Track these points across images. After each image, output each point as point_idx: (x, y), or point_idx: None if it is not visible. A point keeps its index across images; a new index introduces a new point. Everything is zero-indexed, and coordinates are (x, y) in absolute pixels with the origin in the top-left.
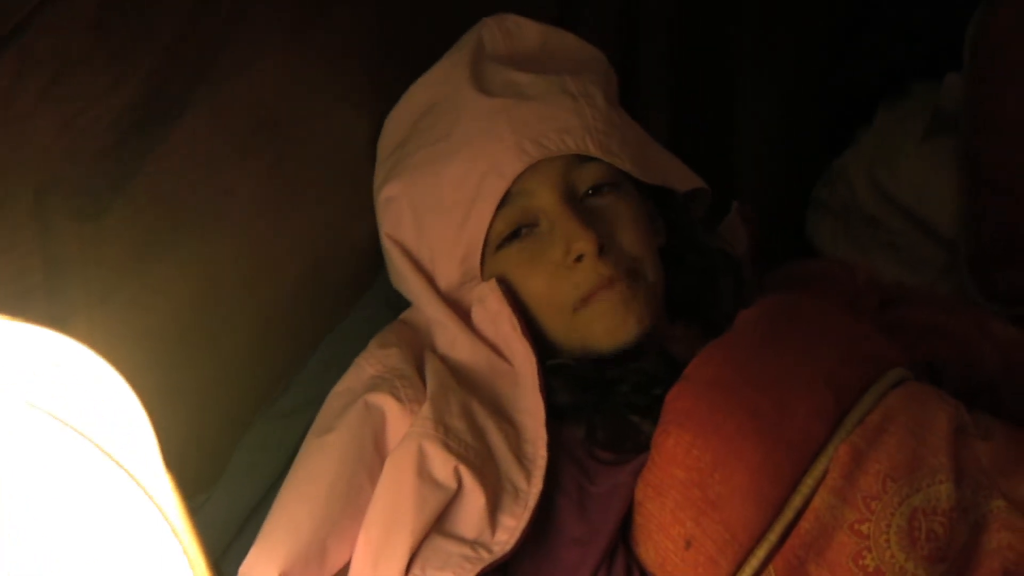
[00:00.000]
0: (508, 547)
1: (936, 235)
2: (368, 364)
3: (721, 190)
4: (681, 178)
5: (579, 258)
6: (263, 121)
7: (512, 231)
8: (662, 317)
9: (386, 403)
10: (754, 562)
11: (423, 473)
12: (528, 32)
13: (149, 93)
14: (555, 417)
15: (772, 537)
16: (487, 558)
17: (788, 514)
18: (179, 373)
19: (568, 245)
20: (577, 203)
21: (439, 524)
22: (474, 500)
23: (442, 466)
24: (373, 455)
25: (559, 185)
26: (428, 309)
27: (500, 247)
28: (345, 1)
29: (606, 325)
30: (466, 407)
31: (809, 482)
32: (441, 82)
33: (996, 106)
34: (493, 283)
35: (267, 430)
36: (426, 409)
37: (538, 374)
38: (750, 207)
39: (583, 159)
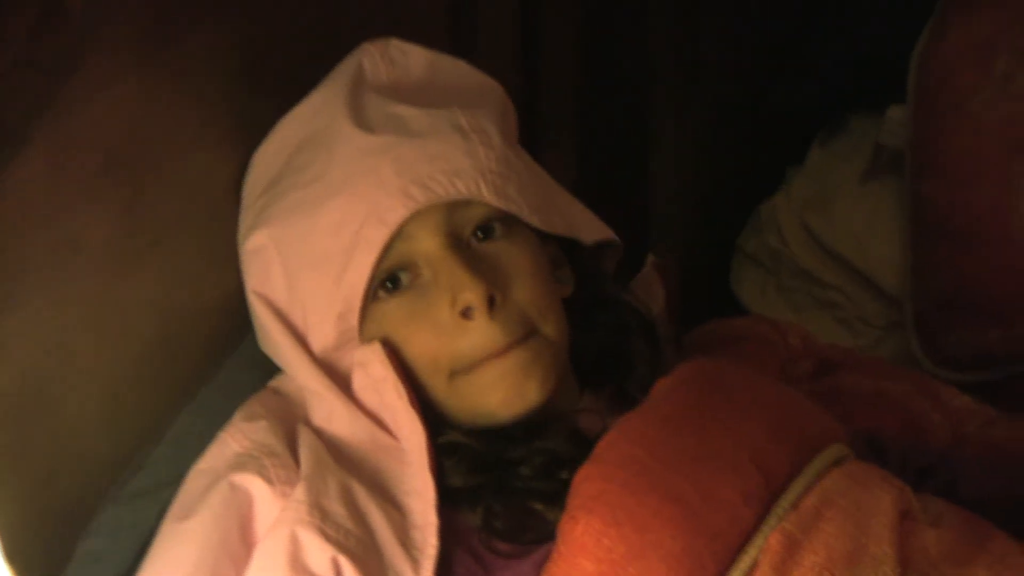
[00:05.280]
0: None
1: (878, 291)
2: (233, 439)
3: (634, 241)
4: (588, 228)
5: (466, 311)
6: (111, 160)
7: (389, 277)
8: (569, 385)
9: (253, 484)
10: None
11: (296, 564)
12: (414, 60)
13: None
14: (448, 501)
15: None
16: None
17: None
18: (14, 450)
19: (454, 295)
20: (464, 248)
21: None
22: None
23: (318, 556)
24: (239, 544)
25: (442, 227)
26: (301, 376)
27: (378, 299)
28: (204, 21)
29: (501, 395)
30: (346, 488)
31: (736, 575)
32: (315, 116)
33: (943, 142)
34: (376, 346)
35: (116, 514)
36: (300, 491)
37: (428, 452)
38: (667, 259)
39: None
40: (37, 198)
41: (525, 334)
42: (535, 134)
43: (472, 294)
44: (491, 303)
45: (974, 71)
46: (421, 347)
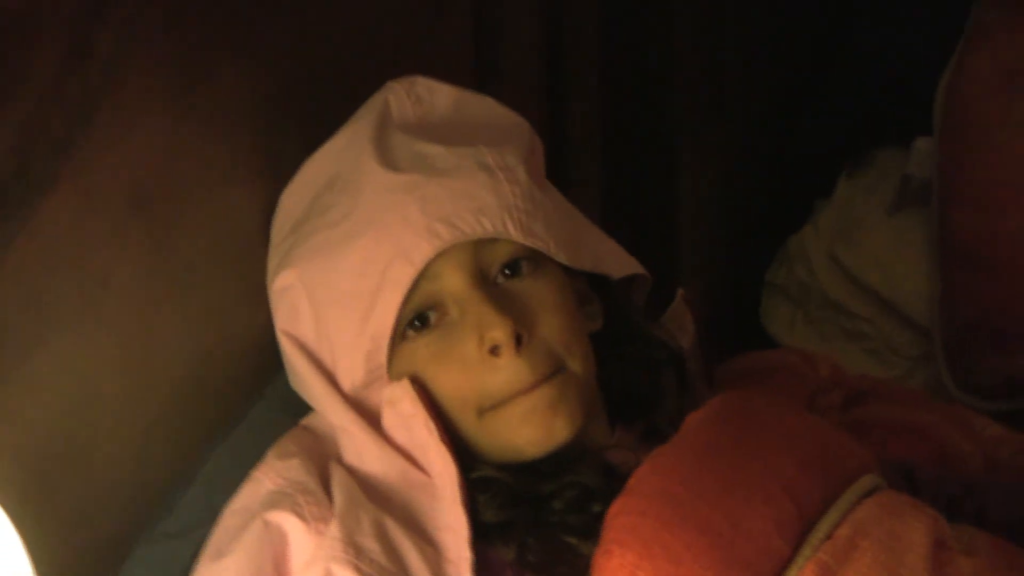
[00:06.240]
0: None
1: (907, 320)
2: (266, 477)
3: (663, 275)
4: (617, 262)
5: (494, 349)
6: (139, 199)
7: (416, 316)
8: (599, 420)
9: (288, 522)
10: None
11: None
12: (440, 97)
13: (9, 169)
14: (481, 536)
15: None
16: None
17: None
18: (45, 491)
19: (481, 333)
20: (491, 286)
21: None
22: None
23: None
24: None
25: (469, 265)
26: (331, 414)
27: (406, 338)
28: (230, 62)
29: (529, 432)
30: (379, 525)
31: None
32: (341, 154)
33: (970, 172)
34: (406, 383)
35: (150, 554)
36: (334, 528)
37: (459, 486)
38: (695, 292)
39: None
40: (65, 237)
41: (552, 370)
42: (561, 168)
43: (499, 332)
44: (518, 341)
45: (999, 102)
46: (449, 385)
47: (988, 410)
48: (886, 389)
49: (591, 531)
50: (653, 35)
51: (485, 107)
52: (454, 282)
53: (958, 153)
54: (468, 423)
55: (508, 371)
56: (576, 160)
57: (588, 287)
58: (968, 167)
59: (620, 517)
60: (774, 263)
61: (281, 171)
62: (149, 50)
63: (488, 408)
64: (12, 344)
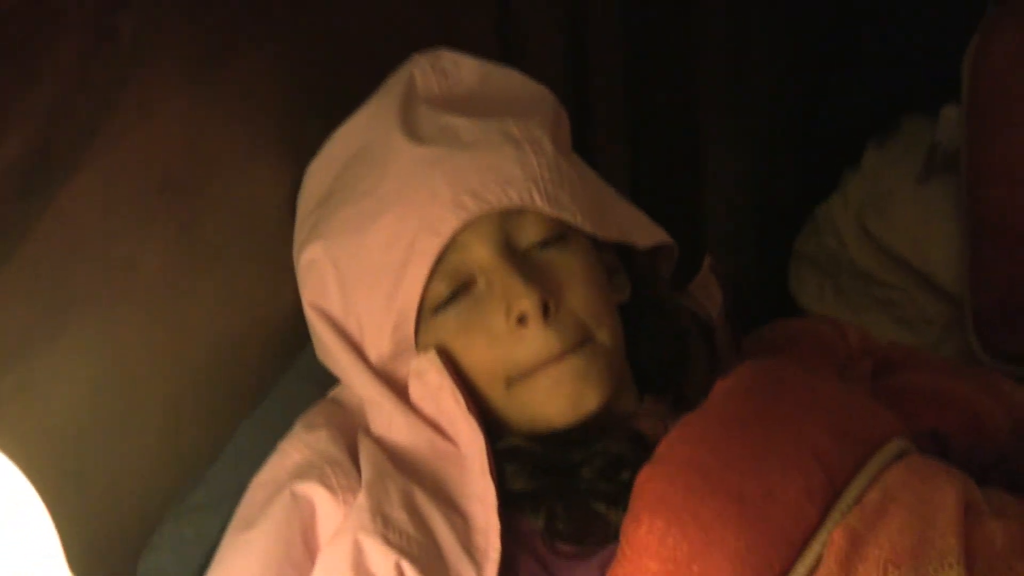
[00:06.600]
0: None
1: (937, 289)
2: (294, 449)
3: (690, 244)
4: (643, 232)
5: (521, 319)
6: (166, 181)
7: (450, 292)
8: (628, 390)
9: (315, 493)
10: None
11: (360, 570)
12: (466, 70)
13: (34, 152)
14: (509, 505)
15: None
16: None
17: None
18: (78, 468)
19: (508, 304)
20: (518, 257)
21: None
22: None
23: (382, 562)
24: (302, 552)
25: (495, 236)
26: (359, 386)
27: (436, 312)
28: (251, 42)
29: (558, 402)
30: (407, 495)
31: (800, 571)
32: (367, 128)
33: (998, 143)
34: (432, 354)
35: (179, 528)
36: (362, 498)
37: (487, 456)
38: (722, 261)
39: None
40: (92, 220)
41: (580, 340)
42: (586, 140)
43: (527, 301)
44: (545, 311)
45: (1023, 77)
46: (477, 356)
47: (1018, 377)
48: (916, 358)
49: (620, 499)
50: (676, 7)
51: (510, 80)
52: (481, 253)
53: (984, 127)
54: (496, 394)
55: (536, 341)
56: (601, 132)
57: (615, 258)
58: (994, 140)
59: (649, 484)
60: (803, 233)
61: (304, 150)
62: (172, 33)
63: (516, 378)
64: (39, 325)
